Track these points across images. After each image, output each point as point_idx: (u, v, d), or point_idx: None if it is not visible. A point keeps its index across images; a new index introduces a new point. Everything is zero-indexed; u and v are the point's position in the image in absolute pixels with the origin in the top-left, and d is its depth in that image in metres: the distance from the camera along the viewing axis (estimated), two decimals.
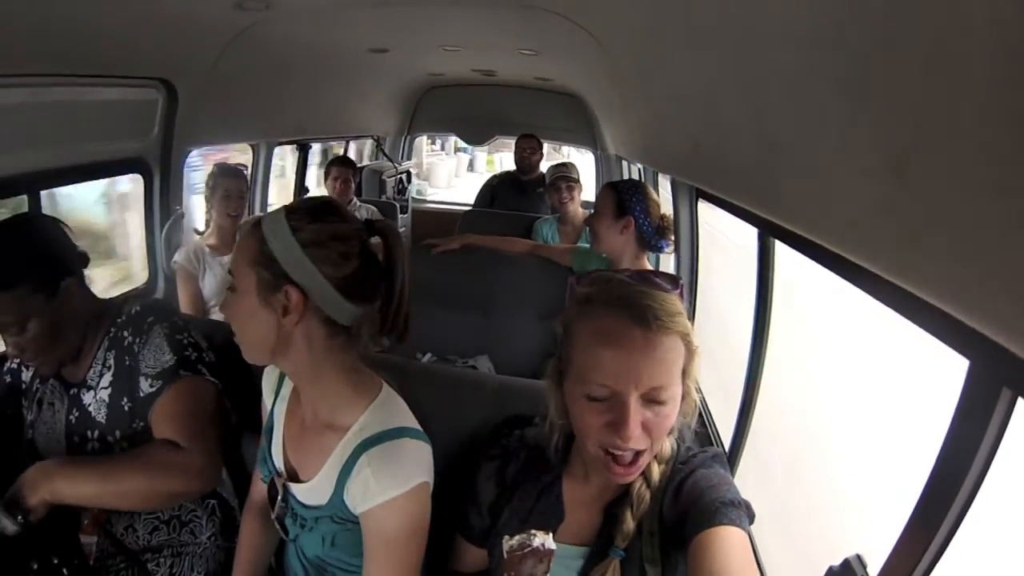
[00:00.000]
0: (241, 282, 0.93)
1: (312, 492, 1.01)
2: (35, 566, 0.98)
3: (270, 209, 3.25)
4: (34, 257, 1.11)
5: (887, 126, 0.58)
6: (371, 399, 1.00)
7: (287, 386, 1.10)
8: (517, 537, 0.80)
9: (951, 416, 0.72)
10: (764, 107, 0.91)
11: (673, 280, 0.85)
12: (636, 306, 0.78)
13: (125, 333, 1.18)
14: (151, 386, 1.14)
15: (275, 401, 1.11)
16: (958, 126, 0.48)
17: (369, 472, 0.93)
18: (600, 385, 0.78)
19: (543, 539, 0.79)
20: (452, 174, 11.74)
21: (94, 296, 1.23)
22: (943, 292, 0.56)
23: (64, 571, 1.00)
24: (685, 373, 0.82)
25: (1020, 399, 0.62)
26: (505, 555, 0.79)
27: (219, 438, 1.17)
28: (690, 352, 0.81)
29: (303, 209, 0.94)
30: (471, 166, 13.16)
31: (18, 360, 1.28)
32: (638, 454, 0.80)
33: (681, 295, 0.85)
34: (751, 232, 1.48)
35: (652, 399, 0.78)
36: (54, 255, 1.15)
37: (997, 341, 0.50)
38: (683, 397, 0.84)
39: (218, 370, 1.23)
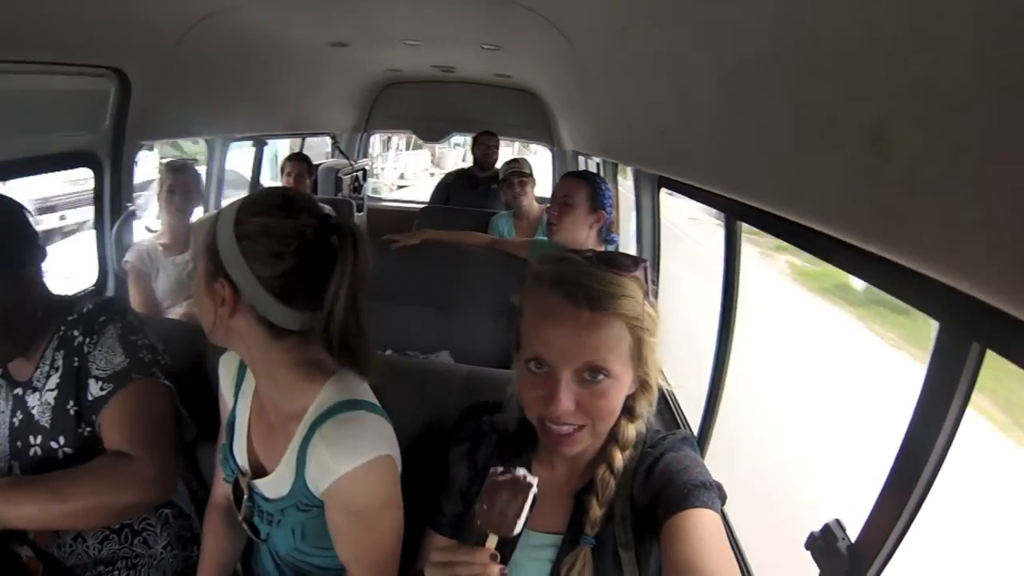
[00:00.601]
0: (197, 266, 0.92)
1: (275, 483, 0.98)
2: None
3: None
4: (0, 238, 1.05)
5: (864, 98, 0.61)
6: (326, 379, 0.96)
7: (248, 381, 1.06)
8: (503, 468, 0.79)
9: (922, 377, 0.76)
10: (735, 89, 0.94)
11: (635, 260, 0.85)
12: (572, 285, 0.79)
13: (75, 332, 1.11)
14: (102, 389, 1.07)
15: (236, 397, 1.07)
16: (938, 97, 0.51)
17: (323, 446, 0.90)
18: (534, 353, 0.80)
19: (526, 472, 0.78)
20: (456, 162, 15.92)
21: (50, 292, 1.16)
22: (918, 256, 0.59)
23: None
24: (640, 359, 0.83)
25: (988, 351, 0.67)
26: (486, 482, 0.78)
27: (172, 444, 1.12)
28: (638, 337, 0.81)
29: (255, 200, 0.91)
30: (464, 158, 16.98)
31: None
32: (577, 428, 0.81)
33: (646, 277, 0.85)
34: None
35: (586, 377, 0.79)
36: (19, 240, 1.08)
37: (971, 295, 0.53)
38: (642, 385, 0.86)
39: (174, 374, 1.17)
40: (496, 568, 0.73)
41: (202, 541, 1.15)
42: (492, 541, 0.74)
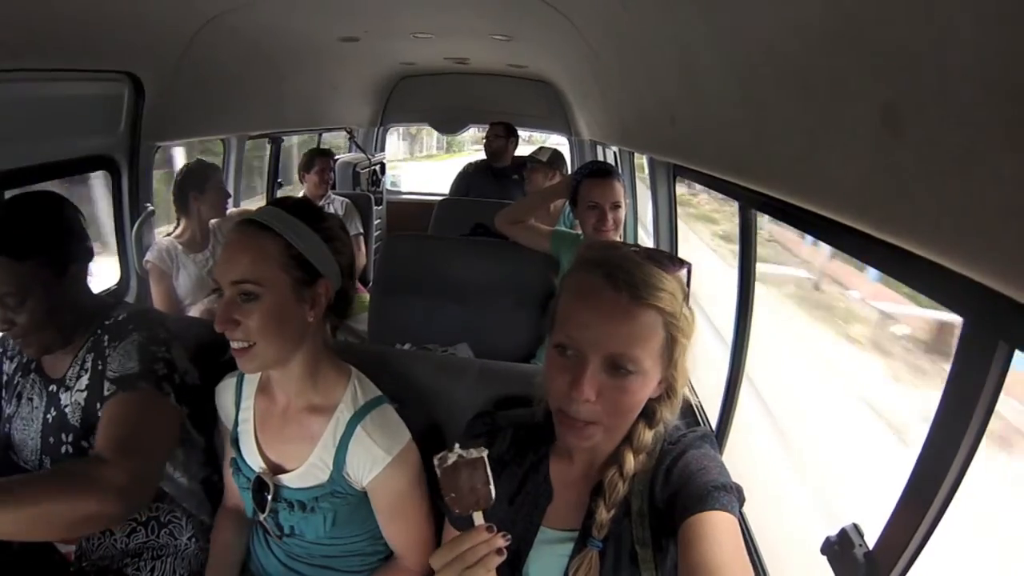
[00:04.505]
0: (271, 287, 0.97)
1: (307, 475, 1.06)
2: None
3: (246, 206, 3.23)
4: (52, 234, 1.10)
5: (876, 77, 0.57)
6: (347, 378, 1.09)
7: (247, 393, 1.13)
8: (442, 453, 0.76)
9: (946, 375, 0.71)
10: (743, 71, 0.90)
11: (678, 261, 0.84)
12: (615, 269, 0.79)
13: (106, 338, 1.15)
14: (107, 390, 1.08)
15: (237, 412, 1.13)
16: (953, 70, 0.47)
17: (370, 440, 1.02)
18: (566, 336, 0.79)
19: (461, 451, 0.75)
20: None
21: (92, 293, 1.21)
22: (939, 246, 0.55)
23: None
24: (670, 360, 0.81)
25: (1017, 351, 0.62)
26: (439, 474, 0.75)
27: (158, 461, 1.07)
28: (672, 335, 0.80)
29: (303, 208, 1.03)
30: None
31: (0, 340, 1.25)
32: (589, 424, 0.80)
33: (688, 282, 0.84)
34: None
35: (615, 365, 0.78)
36: (70, 238, 1.13)
37: (997, 291, 0.49)
38: (668, 391, 0.84)
39: (192, 390, 1.16)
40: (499, 538, 0.72)
41: (212, 543, 1.19)
42: (479, 518, 0.75)
